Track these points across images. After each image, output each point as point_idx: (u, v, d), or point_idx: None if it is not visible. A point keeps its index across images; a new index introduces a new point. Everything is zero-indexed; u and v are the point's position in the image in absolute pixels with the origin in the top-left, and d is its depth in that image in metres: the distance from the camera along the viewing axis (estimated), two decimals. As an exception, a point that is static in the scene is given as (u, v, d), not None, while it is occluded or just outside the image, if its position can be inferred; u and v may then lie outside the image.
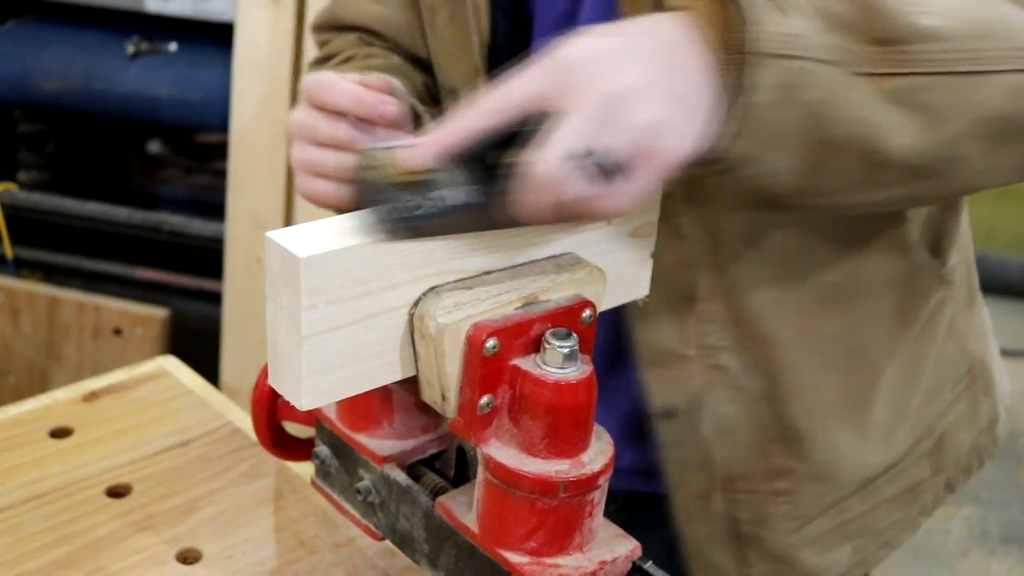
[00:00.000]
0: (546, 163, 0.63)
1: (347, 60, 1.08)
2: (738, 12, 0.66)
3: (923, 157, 0.71)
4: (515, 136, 0.66)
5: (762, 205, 0.83)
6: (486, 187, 0.66)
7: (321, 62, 1.12)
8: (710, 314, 0.92)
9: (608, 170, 0.63)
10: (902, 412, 1.02)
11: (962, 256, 1.04)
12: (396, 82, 0.90)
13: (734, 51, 0.66)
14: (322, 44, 1.14)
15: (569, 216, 0.66)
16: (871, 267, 0.95)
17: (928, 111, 0.69)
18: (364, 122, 0.87)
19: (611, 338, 0.97)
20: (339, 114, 0.87)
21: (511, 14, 0.95)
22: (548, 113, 0.64)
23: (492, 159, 0.66)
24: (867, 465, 1.01)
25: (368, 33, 1.09)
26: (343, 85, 0.87)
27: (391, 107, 0.87)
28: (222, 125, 2.19)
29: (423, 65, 1.03)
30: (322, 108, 0.88)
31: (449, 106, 0.97)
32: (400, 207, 0.64)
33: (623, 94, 0.63)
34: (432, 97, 1.02)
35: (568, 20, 0.95)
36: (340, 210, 0.91)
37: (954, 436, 1.07)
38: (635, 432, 1.00)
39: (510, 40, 0.95)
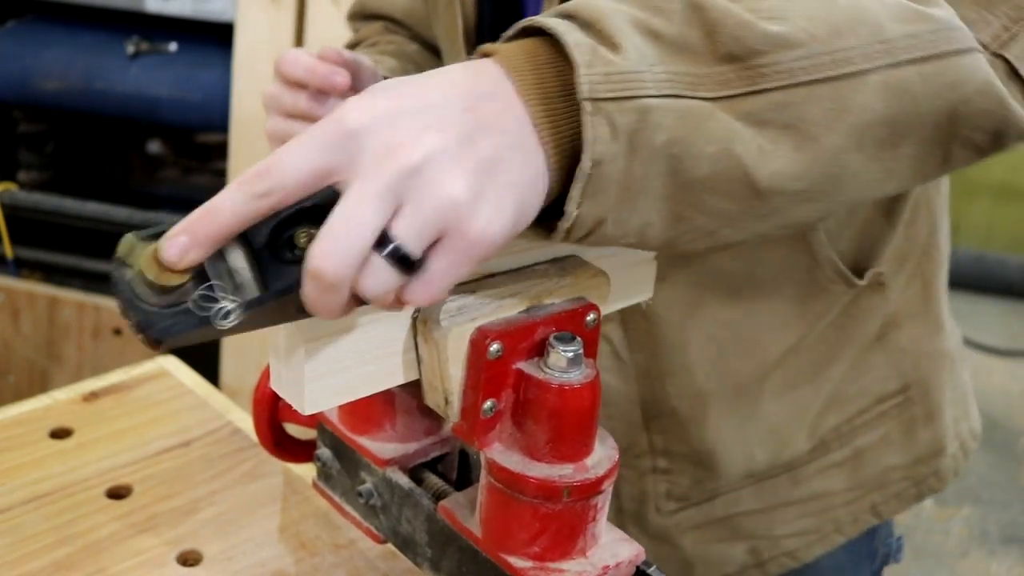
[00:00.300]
0: (331, 257, 0.53)
1: (372, 46, 1.14)
2: (560, 54, 0.57)
3: (803, 179, 0.62)
4: (304, 212, 0.56)
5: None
6: (269, 281, 0.56)
7: (351, 47, 1.15)
8: None
9: (407, 259, 0.54)
10: (797, 412, 0.97)
11: (915, 271, 0.99)
12: (362, 57, 0.96)
13: (562, 101, 0.57)
14: (355, 31, 1.19)
15: (374, 305, 0.57)
16: (770, 260, 0.90)
17: (797, 128, 0.61)
18: (321, 94, 0.94)
19: None
20: (300, 86, 0.94)
21: (499, 5, 0.96)
22: (337, 189, 0.55)
23: (271, 246, 0.56)
24: (751, 458, 0.98)
25: (392, 22, 1.14)
26: (300, 57, 0.94)
27: (343, 79, 0.93)
28: (222, 125, 2.19)
29: (438, 53, 1.06)
30: (286, 81, 0.95)
31: None
32: (160, 314, 0.55)
33: (420, 165, 0.54)
34: None
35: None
36: None
37: (878, 456, 1.02)
38: None
39: (496, 30, 0.96)
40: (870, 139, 0.63)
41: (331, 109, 0.89)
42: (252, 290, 0.55)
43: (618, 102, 0.57)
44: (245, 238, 0.56)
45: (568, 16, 0.59)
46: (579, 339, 0.64)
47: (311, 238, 0.55)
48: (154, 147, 2.68)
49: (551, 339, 0.64)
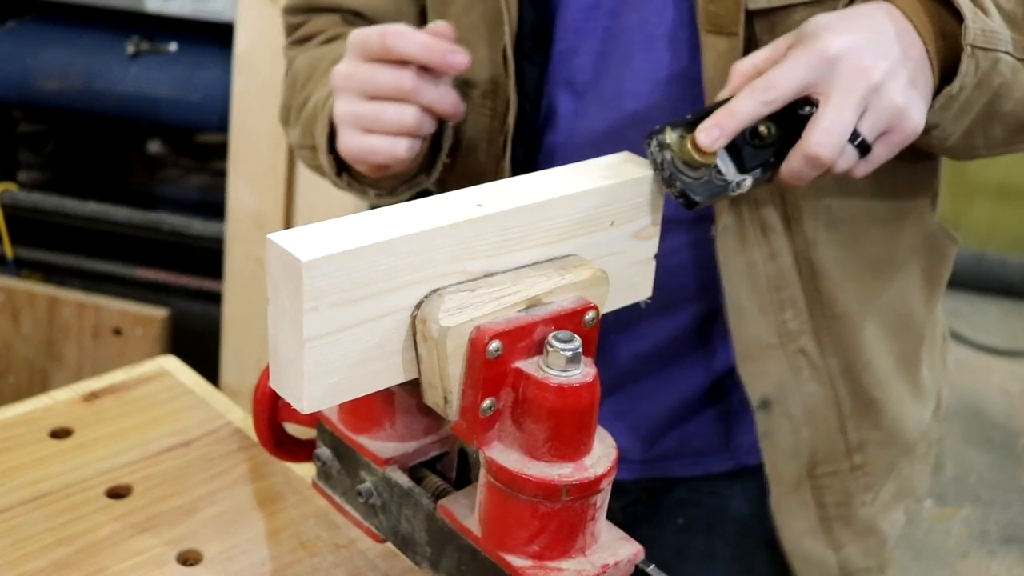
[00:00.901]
0: (826, 145, 0.76)
1: (332, 39, 1.08)
2: (944, 8, 0.82)
3: None
4: (780, 115, 0.78)
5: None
6: (759, 161, 0.80)
7: (298, 43, 1.11)
8: (791, 301, 0.99)
9: (868, 148, 0.79)
10: (935, 372, 1.12)
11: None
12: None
13: (950, 43, 0.82)
14: (293, 27, 1.14)
15: (820, 177, 0.80)
16: (904, 237, 1.03)
17: None
18: (426, 72, 0.87)
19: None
20: (402, 63, 0.86)
21: (536, 5, 0.95)
22: (813, 99, 0.78)
23: (759, 136, 0.79)
24: (923, 421, 1.09)
25: (352, 14, 1.09)
26: (410, 32, 0.86)
27: (462, 56, 0.87)
28: (222, 125, 2.19)
29: None
30: (383, 58, 0.86)
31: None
32: (712, 186, 0.77)
33: (880, 85, 0.77)
34: None
35: (592, 11, 0.95)
36: (376, 171, 0.93)
37: (944, 392, 1.16)
38: (671, 417, 1.08)
39: (535, 30, 0.96)
40: None
41: (439, 92, 0.88)
42: (752, 164, 0.80)
43: (985, 52, 0.82)
44: (749, 130, 0.79)
45: None
46: (578, 338, 0.64)
47: (770, 130, 0.79)
48: (154, 147, 2.68)
49: (550, 338, 0.64)
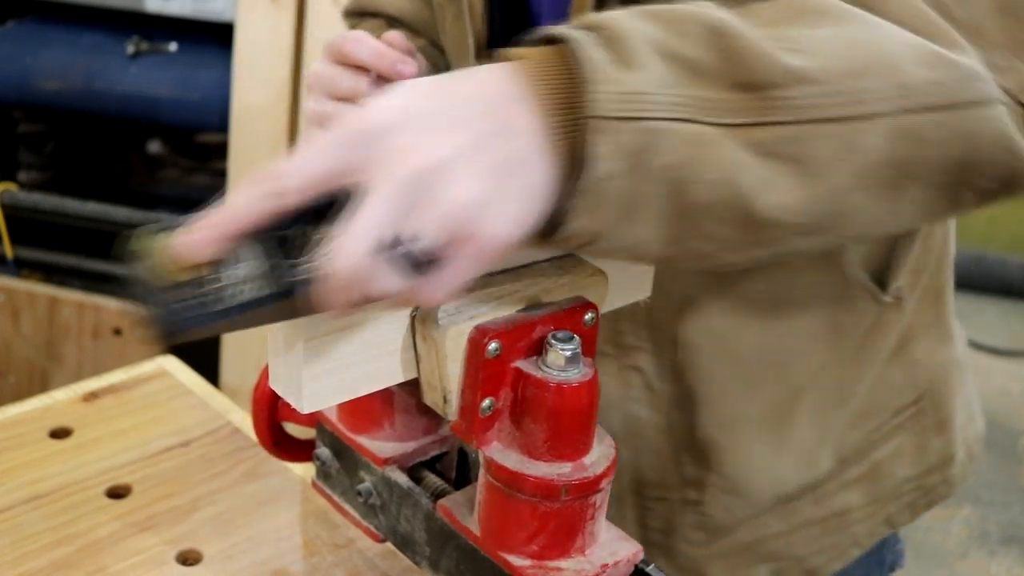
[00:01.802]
0: (346, 257, 0.54)
1: None
2: (575, 69, 0.58)
3: (804, 215, 0.62)
4: (317, 212, 0.57)
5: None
6: (282, 278, 0.56)
7: None
8: (629, 314, 0.87)
9: (419, 261, 0.56)
10: (825, 433, 0.97)
11: (929, 283, 0.99)
12: (414, 49, 0.92)
13: (570, 114, 0.57)
14: (352, 28, 1.15)
15: (383, 306, 0.59)
16: (801, 281, 0.90)
17: (804, 163, 0.61)
18: (383, 80, 0.89)
19: None
20: (362, 69, 0.89)
21: (510, 20, 0.95)
22: (351, 190, 0.56)
23: (287, 242, 0.57)
24: (782, 482, 0.97)
25: (392, 20, 1.11)
26: (366, 39, 0.89)
27: (410, 68, 0.88)
28: (222, 125, 2.19)
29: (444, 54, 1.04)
30: (344, 63, 0.89)
31: None
32: (172, 308, 0.55)
33: (435, 169, 0.55)
34: None
35: (563, 15, 0.94)
36: None
37: (893, 468, 1.02)
38: None
39: (506, 36, 0.95)
40: (876, 180, 0.63)
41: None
42: (263, 287, 0.56)
43: (626, 122, 0.57)
44: (259, 236, 0.57)
45: (591, 28, 0.60)
46: (577, 338, 0.64)
47: (323, 237, 0.56)
48: (154, 147, 2.68)
49: (549, 338, 0.64)
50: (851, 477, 1.00)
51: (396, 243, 0.55)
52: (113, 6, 2.26)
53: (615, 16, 0.60)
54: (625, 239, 0.60)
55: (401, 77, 0.88)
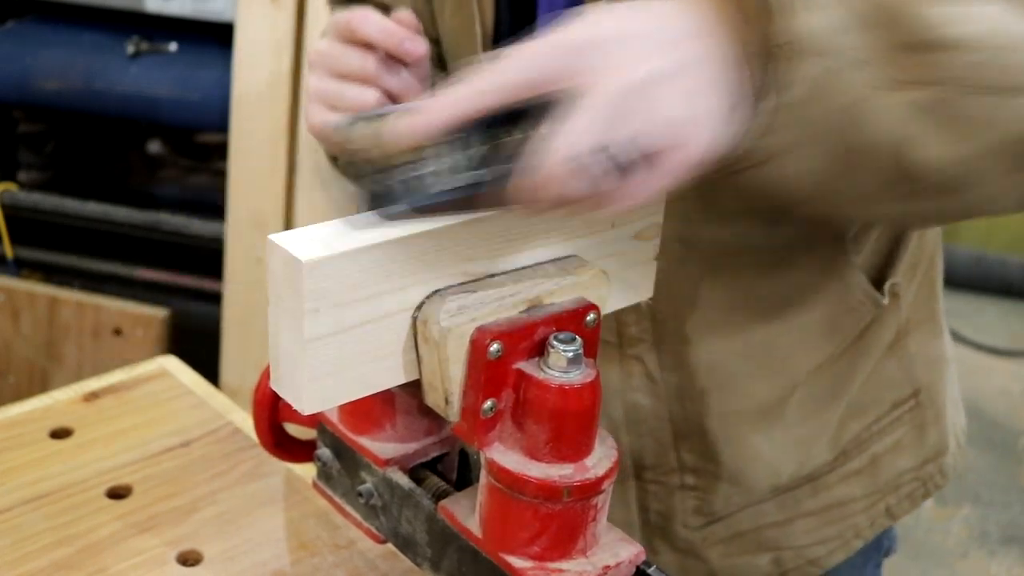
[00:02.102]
0: (556, 157, 0.58)
1: None
2: (764, 3, 0.61)
3: (946, 173, 0.65)
4: (519, 114, 0.60)
5: (770, 210, 0.80)
6: (484, 170, 0.60)
7: None
8: (632, 306, 0.86)
9: (622, 167, 0.59)
10: (821, 425, 0.99)
11: (924, 278, 1.01)
12: (421, 27, 0.89)
13: (764, 44, 0.61)
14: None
15: (573, 210, 0.62)
16: (803, 281, 0.92)
17: (956, 125, 0.64)
18: (391, 59, 0.87)
19: None
20: (368, 47, 0.87)
21: (515, 7, 0.95)
22: (558, 94, 0.59)
23: (490, 139, 0.61)
24: (778, 473, 0.99)
25: (380, 7, 1.10)
26: (374, 16, 0.87)
27: (418, 46, 0.87)
28: (222, 125, 2.19)
29: (438, 44, 1.03)
30: (351, 40, 0.87)
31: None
32: (389, 191, 0.60)
33: (645, 84, 0.58)
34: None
35: (570, 9, 0.94)
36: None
37: (892, 460, 1.04)
38: None
39: (514, 34, 0.95)
40: (1011, 153, 0.65)
41: (402, 81, 0.88)
42: (472, 176, 0.61)
43: (817, 56, 0.61)
44: (469, 129, 0.60)
45: None
46: (579, 339, 0.64)
47: (525, 139, 0.60)
48: (154, 147, 2.68)
49: (551, 339, 0.64)
50: (851, 469, 1.02)
51: (603, 148, 0.58)
52: (113, 6, 2.25)
53: None
54: (792, 166, 0.64)
55: (409, 55, 0.87)
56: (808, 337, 0.95)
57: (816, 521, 1.02)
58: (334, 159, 1.01)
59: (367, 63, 0.87)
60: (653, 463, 0.99)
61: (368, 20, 0.86)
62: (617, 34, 0.60)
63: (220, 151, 2.33)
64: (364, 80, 0.87)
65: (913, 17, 0.62)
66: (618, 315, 0.91)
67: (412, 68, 0.89)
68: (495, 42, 0.95)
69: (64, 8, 2.32)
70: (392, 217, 0.62)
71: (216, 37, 2.21)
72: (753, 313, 0.92)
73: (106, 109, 2.28)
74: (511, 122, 0.60)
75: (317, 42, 0.91)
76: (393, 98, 0.90)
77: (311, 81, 0.90)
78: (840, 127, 0.62)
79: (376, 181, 0.60)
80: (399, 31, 0.87)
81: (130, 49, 2.27)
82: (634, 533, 1.00)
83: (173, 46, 2.29)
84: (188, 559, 0.85)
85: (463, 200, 0.62)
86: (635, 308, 0.90)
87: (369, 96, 0.87)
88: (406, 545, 0.75)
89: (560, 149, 0.58)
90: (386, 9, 1.09)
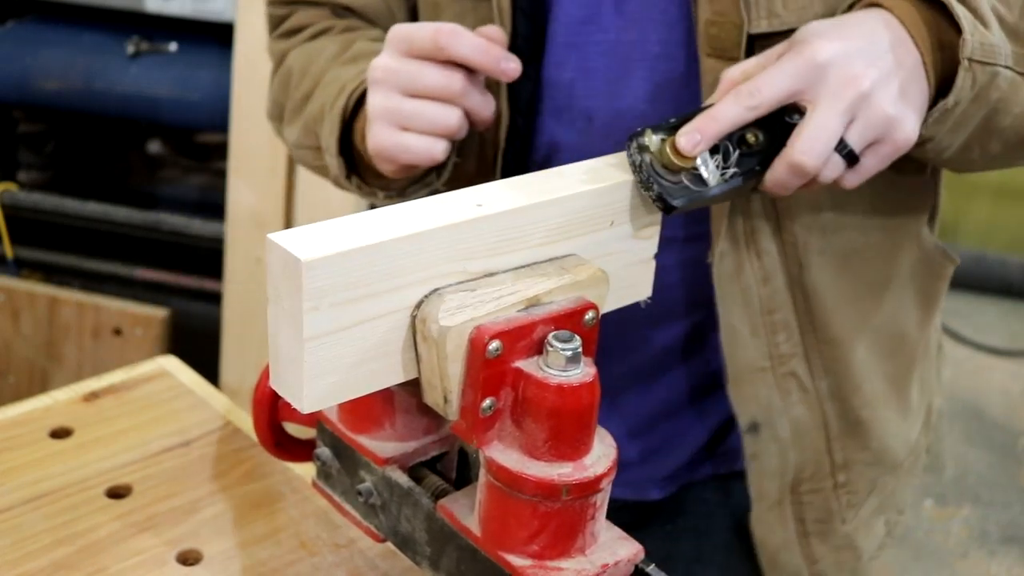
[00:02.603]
0: (810, 152, 0.75)
1: (322, 32, 1.06)
2: (944, 19, 0.80)
3: None
4: (767, 122, 0.78)
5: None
6: (744, 168, 0.78)
7: (285, 36, 1.09)
8: (783, 324, 0.98)
9: (855, 156, 0.78)
10: (927, 388, 1.12)
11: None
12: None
13: (948, 55, 0.80)
14: (278, 19, 1.11)
15: (807, 187, 0.80)
16: (900, 259, 1.02)
17: None
18: (474, 76, 0.86)
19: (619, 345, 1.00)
20: (450, 64, 0.85)
21: (530, 17, 0.95)
22: (801, 106, 0.77)
23: (740, 141, 0.78)
24: (910, 441, 1.09)
25: (341, 8, 1.06)
26: (465, 33, 0.84)
27: (516, 64, 0.86)
28: (222, 125, 2.19)
29: None
30: (431, 57, 0.84)
31: None
32: (691, 192, 0.76)
33: (869, 93, 0.76)
34: None
35: (584, 26, 0.94)
36: (403, 171, 0.91)
37: (935, 401, 1.17)
38: (655, 416, 1.08)
39: (527, 43, 0.95)
40: None
41: (484, 99, 0.88)
42: (739, 173, 0.78)
43: (983, 65, 0.80)
44: (730, 135, 0.78)
45: None
46: (578, 337, 0.64)
47: (757, 138, 0.78)
48: (154, 147, 2.68)
49: (550, 338, 0.64)
50: (925, 420, 1.13)
51: (843, 145, 0.77)
52: (113, 6, 2.26)
53: None
54: (944, 143, 0.84)
55: (506, 75, 0.86)
56: (912, 310, 1.05)
57: (909, 475, 1.13)
58: (367, 176, 0.98)
59: (453, 81, 0.85)
60: (811, 473, 1.04)
61: (460, 37, 0.84)
62: (847, 51, 0.76)
63: (220, 151, 2.33)
64: (449, 99, 0.85)
65: None
66: (769, 337, 0.98)
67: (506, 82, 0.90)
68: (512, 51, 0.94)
69: (64, 8, 2.32)
70: (681, 210, 0.75)
71: (216, 37, 2.21)
72: (875, 300, 1.02)
73: (106, 109, 2.28)
74: (759, 126, 0.78)
75: (379, 58, 0.87)
76: (472, 116, 0.88)
77: (375, 99, 0.87)
78: (987, 116, 0.83)
79: (669, 181, 0.75)
80: (496, 49, 0.85)
81: (130, 49, 2.27)
82: (790, 550, 1.06)
83: (173, 46, 2.29)
84: (188, 559, 0.85)
85: (732, 191, 0.78)
86: (785, 326, 0.99)
87: (454, 115, 0.86)
88: (405, 544, 0.75)
89: (813, 147, 0.75)
90: (346, 11, 1.06)
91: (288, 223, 2.16)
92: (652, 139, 0.75)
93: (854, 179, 0.80)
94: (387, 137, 0.87)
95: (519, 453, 0.65)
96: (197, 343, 2.22)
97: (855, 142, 0.77)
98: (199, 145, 2.62)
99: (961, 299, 3.41)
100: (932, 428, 1.17)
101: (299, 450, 0.87)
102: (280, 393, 0.65)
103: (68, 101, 2.29)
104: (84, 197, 2.34)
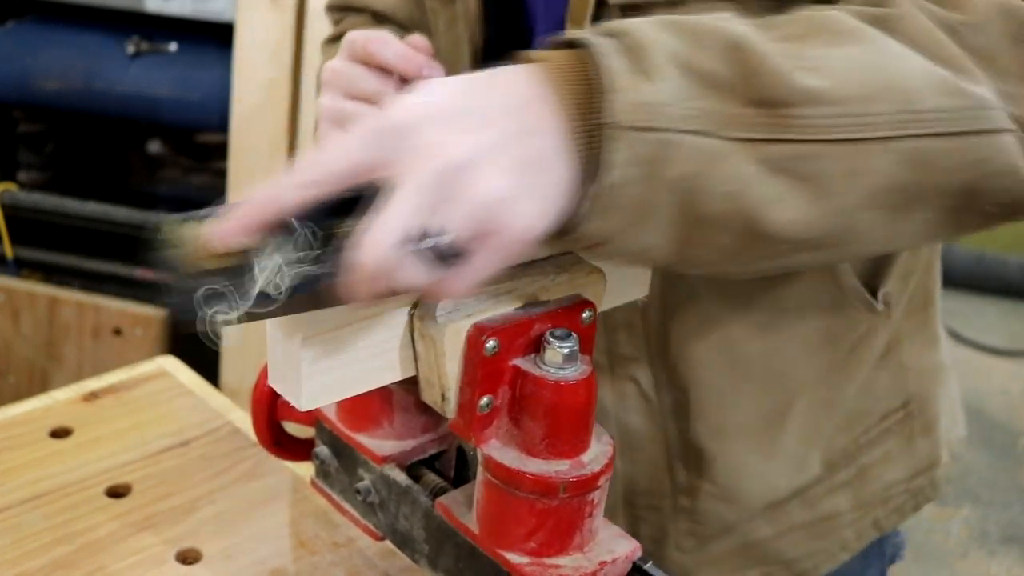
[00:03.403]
0: (373, 249, 0.55)
1: None
2: (595, 75, 0.59)
3: (811, 231, 0.63)
4: (344, 204, 0.58)
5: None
6: (309, 269, 0.57)
7: (334, 40, 1.12)
8: (625, 324, 0.89)
9: (445, 254, 0.57)
10: (814, 438, 0.97)
11: (917, 288, 0.99)
12: (434, 52, 0.88)
13: (590, 120, 0.59)
14: (336, 23, 1.14)
15: (405, 298, 0.62)
16: (798, 290, 0.90)
17: (814, 182, 0.62)
18: (407, 83, 0.85)
19: None
20: (384, 70, 0.86)
21: (506, 27, 0.95)
22: (379, 183, 0.57)
23: (324, 231, 0.58)
24: (773, 488, 0.97)
25: (379, 16, 1.09)
26: (392, 41, 0.86)
27: (437, 72, 0.86)
28: (222, 125, 2.19)
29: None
30: (367, 62, 0.86)
31: None
32: (198, 296, 0.56)
33: (462, 164, 0.57)
34: None
35: (554, 10, 0.93)
36: None
37: (880, 472, 1.02)
38: None
39: (504, 52, 0.94)
40: (883, 202, 0.64)
41: None
42: (290, 278, 0.57)
43: (641, 132, 0.58)
44: (287, 227, 0.57)
45: (613, 34, 0.61)
46: (575, 335, 0.65)
47: (350, 230, 0.57)
48: (154, 147, 2.68)
49: (547, 335, 0.64)
50: (839, 481, 1.00)
51: (423, 237, 0.56)
52: (113, 6, 2.26)
53: (637, 24, 0.62)
54: (634, 244, 0.62)
55: None
56: (805, 348, 0.93)
57: (804, 535, 1.01)
58: None
59: (387, 87, 0.85)
60: (647, 488, 0.98)
61: (385, 45, 0.85)
62: (436, 113, 0.58)
63: (220, 151, 2.33)
64: (380, 103, 0.84)
65: (764, 71, 0.60)
66: (609, 334, 0.90)
67: None
68: (485, 60, 0.94)
69: (64, 8, 2.32)
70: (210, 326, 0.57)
71: (216, 37, 2.21)
72: (750, 324, 0.90)
73: (106, 109, 2.28)
74: (339, 212, 0.58)
75: (331, 61, 0.89)
76: None
77: (324, 100, 0.89)
78: (677, 201, 0.60)
79: (181, 289, 0.56)
80: (418, 57, 0.86)
81: (130, 49, 2.27)
82: None
83: (173, 46, 2.29)
84: (187, 558, 0.85)
85: (292, 300, 0.57)
86: (627, 326, 0.90)
87: None
88: (404, 542, 0.75)
89: (377, 242, 0.55)
90: (383, 19, 1.09)
91: (288, 223, 2.16)
92: (182, 232, 0.57)
93: (457, 284, 0.59)
94: (330, 136, 0.88)
95: (517, 451, 0.65)
96: (197, 343, 2.21)
97: (446, 233, 0.57)
98: (199, 145, 2.63)
99: (961, 299, 3.42)
100: (867, 499, 1.01)
101: (298, 449, 0.87)
102: (279, 392, 0.65)
103: (68, 101, 2.29)
104: (84, 197, 2.34)
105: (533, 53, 0.62)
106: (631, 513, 0.99)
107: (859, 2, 0.68)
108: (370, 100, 0.86)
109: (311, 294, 0.58)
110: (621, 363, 0.92)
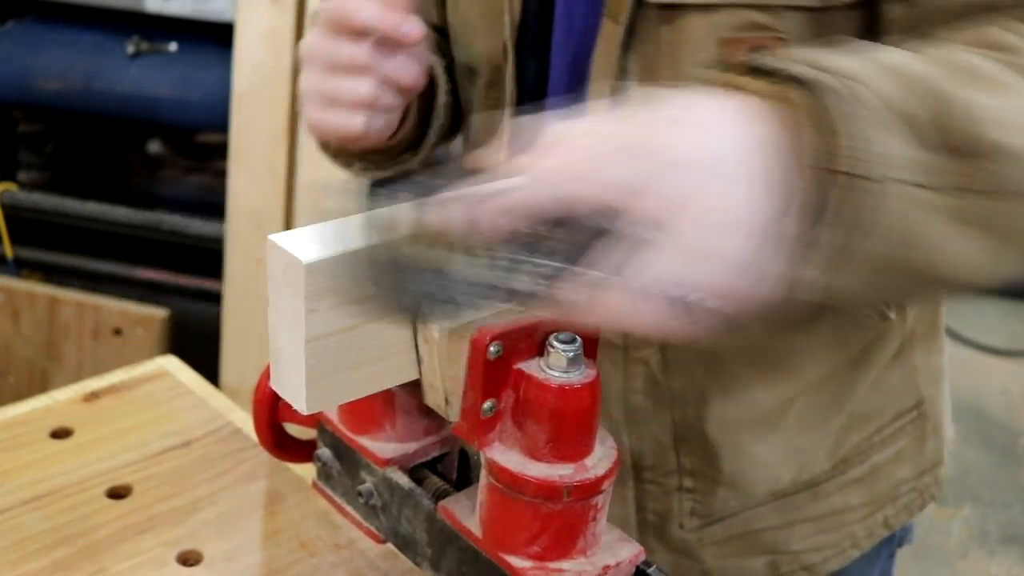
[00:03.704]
0: (629, 287, 0.55)
1: None
2: (830, 122, 0.57)
3: (979, 278, 0.65)
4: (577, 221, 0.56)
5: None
6: (547, 275, 0.56)
7: None
8: None
9: (689, 305, 0.57)
10: (821, 434, 0.98)
11: None
12: (417, 6, 0.86)
13: (825, 170, 0.57)
14: None
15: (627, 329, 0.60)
16: None
17: (997, 235, 0.62)
18: (385, 44, 0.84)
19: None
20: (360, 34, 0.83)
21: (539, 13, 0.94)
22: (626, 211, 0.55)
23: (536, 239, 0.56)
24: (776, 479, 0.98)
25: None
26: (365, 3, 0.83)
27: (415, 28, 0.84)
28: (222, 125, 2.19)
29: (440, 32, 1.01)
30: (341, 30, 0.84)
31: (466, 85, 0.97)
32: (460, 287, 0.56)
33: (723, 224, 0.56)
34: (447, 69, 1.00)
35: (592, 5, 0.93)
36: (343, 145, 0.89)
37: (892, 470, 1.03)
38: None
39: (537, 21, 0.94)
40: None
41: (399, 64, 0.84)
42: (531, 283, 0.56)
43: (870, 182, 0.57)
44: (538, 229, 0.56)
45: (824, 70, 0.59)
46: (579, 339, 0.64)
47: (588, 251, 0.56)
48: (154, 147, 2.68)
49: (551, 339, 0.64)
50: (852, 477, 1.02)
51: (675, 286, 0.56)
52: (113, 6, 2.26)
53: (845, 61, 0.60)
54: (821, 283, 0.60)
55: (407, 38, 0.84)
56: (813, 348, 0.94)
57: (813, 528, 1.02)
58: (332, 153, 1.00)
59: (359, 52, 0.83)
60: (653, 464, 0.99)
61: (359, 6, 0.83)
62: (695, 157, 0.56)
63: (220, 151, 2.33)
64: (358, 70, 0.85)
65: (965, 122, 0.60)
66: None
67: (409, 51, 0.86)
68: (520, 33, 0.92)
69: (64, 8, 2.32)
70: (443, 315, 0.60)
71: (216, 37, 2.21)
72: None
73: (106, 109, 2.28)
74: (556, 223, 0.56)
75: (306, 37, 0.88)
76: (392, 84, 0.88)
77: (303, 78, 0.87)
78: (884, 252, 0.59)
79: (442, 279, 0.56)
80: (393, 14, 0.83)
81: (130, 49, 2.27)
82: (630, 531, 1.00)
83: (173, 46, 2.29)
84: (188, 559, 0.85)
85: (520, 301, 0.58)
86: None
87: (364, 86, 0.85)
88: (406, 545, 0.75)
89: (637, 281, 0.55)
90: None
91: (288, 223, 2.17)
92: (399, 208, 0.56)
93: (689, 331, 0.59)
94: (314, 114, 0.87)
95: (520, 454, 0.65)
96: (197, 343, 2.22)
97: (695, 288, 0.57)
98: (199, 145, 2.63)
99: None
100: (878, 497, 1.03)
101: (300, 451, 0.87)
102: (281, 395, 0.65)
103: (68, 101, 2.29)
104: (84, 197, 2.34)
105: (743, 81, 0.61)
106: (639, 486, 1.00)
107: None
108: (348, 69, 0.84)
109: (539, 303, 0.57)
110: (634, 347, 0.93)
